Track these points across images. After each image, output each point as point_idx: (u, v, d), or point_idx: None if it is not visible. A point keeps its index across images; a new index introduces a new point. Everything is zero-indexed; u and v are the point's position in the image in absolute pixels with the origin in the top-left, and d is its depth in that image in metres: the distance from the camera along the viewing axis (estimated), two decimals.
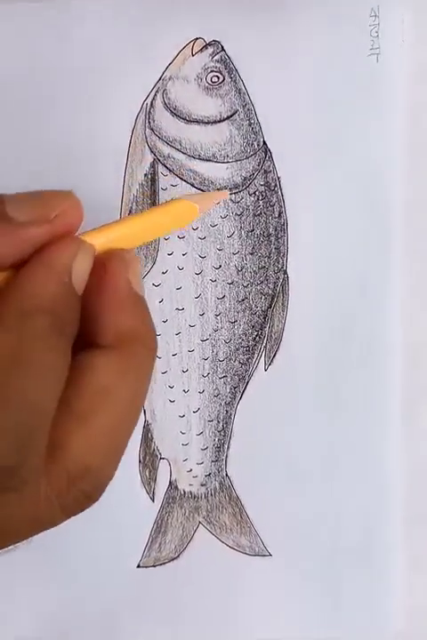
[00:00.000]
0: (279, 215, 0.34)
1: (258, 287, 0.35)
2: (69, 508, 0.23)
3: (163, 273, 0.34)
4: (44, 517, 0.23)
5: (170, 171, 0.34)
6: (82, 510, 0.24)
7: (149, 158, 0.34)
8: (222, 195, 0.32)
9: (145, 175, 0.34)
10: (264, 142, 0.34)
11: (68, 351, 0.23)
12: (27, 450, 0.22)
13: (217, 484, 0.36)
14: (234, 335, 0.35)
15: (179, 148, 0.34)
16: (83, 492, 0.23)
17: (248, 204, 0.34)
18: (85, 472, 0.23)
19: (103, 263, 0.24)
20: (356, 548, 0.35)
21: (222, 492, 0.36)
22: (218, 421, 0.35)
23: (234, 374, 0.35)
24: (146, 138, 0.34)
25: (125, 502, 0.35)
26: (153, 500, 0.36)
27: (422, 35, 0.33)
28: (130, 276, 0.24)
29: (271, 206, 0.34)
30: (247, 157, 0.34)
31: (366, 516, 0.35)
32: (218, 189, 0.34)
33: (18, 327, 0.22)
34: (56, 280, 0.23)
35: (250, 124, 0.34)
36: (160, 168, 0.34)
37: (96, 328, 0.24)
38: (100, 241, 0.24)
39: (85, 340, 0.24)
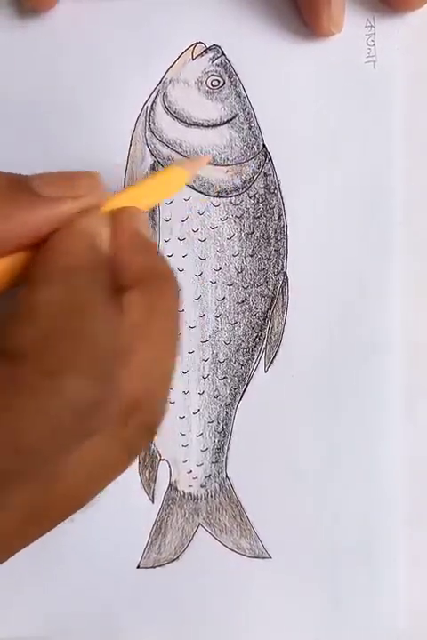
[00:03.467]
0: (279, 218, 0.35)
1: (258, 289, 0.35)
2: (131, 443, 0.25)
3: None
4: (112, 460, 0.25)
5: None
6: (144, 445, 0.26)
7: (150, 160, 0.34)
8: (206, 159, 0.34)
9: (145, 177, 0.34)
10: (264, 145, 0.34)
11: (108, 299, 0.25)
12: (108, 383, 0.23)
13: (217, 486, 0.35)
14: (234, 336, 0.35)
15: (179, 150, 0.34)
16: (140, 423, 0.25)
17: (248, 206, 0.35)
18: (137, 404, 0.25)
19: (115, 217, 0.27)
20: (356, 549, 0.35)
21: (222, 493, 0.35)
22: (218, 422, 0.35)
23: (234, 375, 0.35)
24: (146, 140, 0.34)
25: (125, 503, 0.35)
26: (153, 502, 0.35)
27: (416, 42, 0.34)
28: (138, 226, 0.27)
29: (271, 209, 0.35)
30: (247, 160, 0.34)
31: (367, 517, 0.35)
32: (218, 193, 0.34)
33: (64, 281, 0.24)
34: (87, 242, 0.25)
35: (250, 128, 0.34)
36: (160, 170, 0.34)
37: (119, 274, 0.26)
38: (109, 208, 0.28)
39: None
